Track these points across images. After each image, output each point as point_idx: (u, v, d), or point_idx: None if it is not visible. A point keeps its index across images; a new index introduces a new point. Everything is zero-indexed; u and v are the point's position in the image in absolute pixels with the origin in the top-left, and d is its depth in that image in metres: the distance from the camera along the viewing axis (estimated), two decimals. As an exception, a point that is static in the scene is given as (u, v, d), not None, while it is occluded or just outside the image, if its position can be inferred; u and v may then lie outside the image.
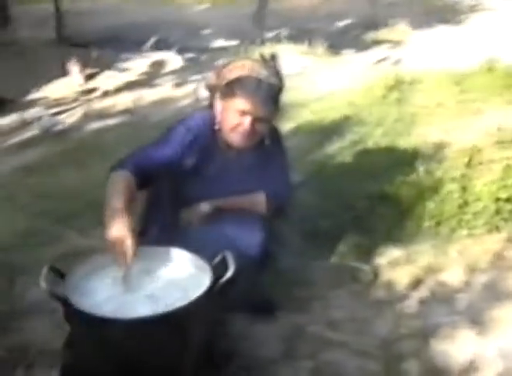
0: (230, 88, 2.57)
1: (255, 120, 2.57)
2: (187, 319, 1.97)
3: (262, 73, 2.56)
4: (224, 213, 2.73)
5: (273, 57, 2.67)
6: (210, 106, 2.76)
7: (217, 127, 2.69)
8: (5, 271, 3.18)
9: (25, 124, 5.87)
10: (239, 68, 2.60)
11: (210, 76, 2.76)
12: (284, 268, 3.13)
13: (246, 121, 2.56)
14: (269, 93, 2.55)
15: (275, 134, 2.85)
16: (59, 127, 5.74)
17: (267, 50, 7.64)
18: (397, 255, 3.29)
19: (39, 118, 5.88)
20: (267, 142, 2.75)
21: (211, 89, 2.75)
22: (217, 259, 2.19)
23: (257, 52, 6.34)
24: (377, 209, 3.58)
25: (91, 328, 1.98)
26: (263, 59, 2.66)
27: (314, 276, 3.17)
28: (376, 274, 3.16)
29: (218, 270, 2.14)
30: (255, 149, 2.73)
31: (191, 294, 2.03)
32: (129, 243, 2.08)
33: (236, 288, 2.51)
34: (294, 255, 3.25)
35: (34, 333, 2.73)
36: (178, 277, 2.21)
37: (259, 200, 2.79)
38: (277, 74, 2.62)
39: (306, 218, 3.53)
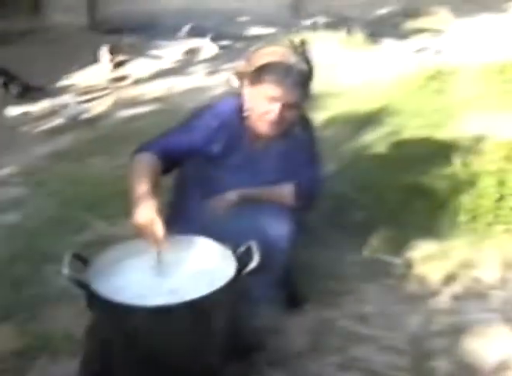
0: (259, 74, 2.58)
1: (284, 107, 2.56)
2: (211, 309, 2.00)
3: (292, 59, 2.56)
4: (251, 203, 2.74)
5: (303, 43, 2.67)
6: (240, 93, 2.76)
7: (245, 114, 2.69)
8: (34, 257, 3.26)
9: (54, 112, 5.94)
10: (269, 54, 2.60)
11: (240, 63, 2.78)
12: (314, 260, 3.16)
13: (275, 107, 2.56)
14: (299, 79, 2.55)
15: (305, 122, 2.85)
16: (86, 115, 5.80)
17: (303, 38, 7.67)
18: (431, 250, 3.29)
19: (65, 106, 5.94)
20: (297, 131, 2.75)
21: (240, 76, 2.76)
22: (241, 249, 2.21)
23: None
24: (411, 202, 3.58)
25: (113, 315, 2.02)
26: (293, 45, 2.67)
27: (345, 269, 3.18)
28: (408, 268, 3.17)
29: (243, 260, 2.16)
30: (284, 138, 2.73)
31: (215, 283, 2.05)
32: (158, 226, 2.11)
33: (263, 280, 2.56)
34: (325, 248, 3.28)
35: (58, 320, 2.79)
36: (203, 266, 2.24)
37: (287, 192, 2.78)
38: (307, 60, 2.63)
39: (338, 210, 3.55)
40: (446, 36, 7.88)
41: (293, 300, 2.86)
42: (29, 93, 6.44)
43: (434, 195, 3.61)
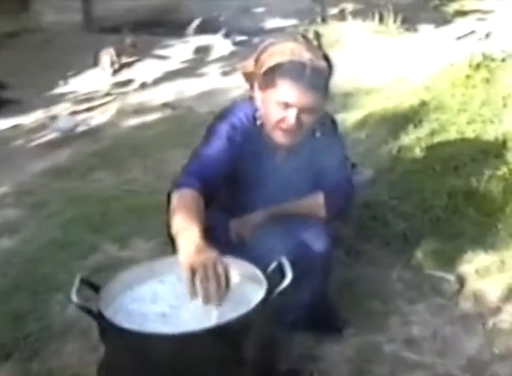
0: (270, 77, 2.56)
1: (301, 112, 2.55)
2: (241, 333, 2.01)
3: (305, 56, 2.54)
4: (280, 219, 2.76)
5: (317, 36, 2.67)
6: (252, 97, 2.76)
7: (259, 122, 2.69)
8: (35, 286, 3.30)
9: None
10: (279, 53, 2.58)
11: (247, 62, 2.75)
12: (354, 278, 3.18)
13: (291, 114, 2.55)
14: (315, 79, 2.53)
15: (329, 123, 2.85)
16: (84, 126, 5.86)
17: (330, 29, 7.70)
18: (486, 262, 3.30)
19: (54, 118, 5.98)
20: (318, 135, 2.75)
21: (249, 78, 2.75)
22: (272, 267, 2.23)
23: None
24: (462, 209, 3.60)
25: (131, 346, 2.02)
26: (305, 39, 2.68)
27: (388, 287, 3.21)
28: (462, 284, 3.18)
29: (274, 279, 2.18)
30: (307, 143, 2.74)
31: (243, 306, 2.07)
32: (223, 270, 2.04)
33: (299, 301, 2.58)
34: (365, 264, 3.29)
35: (65, 357, 2.83)
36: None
37: (317, 203, 2.80)
38: (323, 55, 2.62)
39: (377, 221, 3.57)
40: (495, 18, 7.86)
41: (333, 323, 2.89)
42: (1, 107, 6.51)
43: (488, 200, 3.63)
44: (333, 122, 2.90)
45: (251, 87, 2.74)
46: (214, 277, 2.00)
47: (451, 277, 3.22)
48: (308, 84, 2.51)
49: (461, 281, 3.19)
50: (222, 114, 2.75)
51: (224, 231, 2.66)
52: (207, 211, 2.41)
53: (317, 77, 2.53)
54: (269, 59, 2.58)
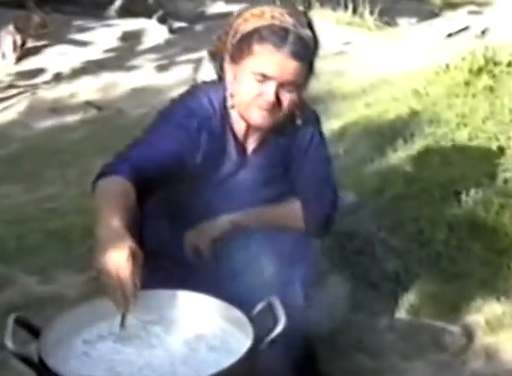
0: (246, 44, 2.60)
1: (281, 86, 2.58)
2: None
3: (288, 21, 2.57)
4: (245, 233, 2.75)
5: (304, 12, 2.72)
6: (219, 79, 2.80)
7: (230, 103, 2.72)
8: None
9: None
10: (257, 17, 2.61)
11: (215, 38, 2.78)
12: (338, 327, 3.17)
13: (269, 88, 2.57)
14: (299, 48, 2.55)
15: (310, 115, 2.87)
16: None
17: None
18: (498, 311, 3.32)
19: None
20: (298, 123, 2.77)
21: (217, 54, 2.78)
22: (258, 308, 2.22)
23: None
24: (466, 244, 3.63)
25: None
26: (288, 5, 2.72)
27: (380, 339, 3.22)
28: (469, 338, 3.19)
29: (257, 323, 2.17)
30: (283, 134, 2.78)
31: (223, 358, 2.06)
32: (129, 277, 2.09)
33: (275, 356, 2.56)
34: (350, 309, 3.29)
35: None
36: (201, 333, 2.24)
37: (294, 210, 2.82)
38: (309, 25, 2.64)
39: (364, 256, 3.58)
40: (494, 11, 7.98)
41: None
42: None
43: (497, 234, 3.67)
44: (315, 114, 2.92)
45: (220, 67, 2.77)
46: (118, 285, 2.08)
47: (455, 328, 3.23)
48: (291, 52, 2.54)
49: (468, 334, 3.21)
50: (180, 97, 2.79)
51: (174, 245, 2.70)
52: (150, 220, 2.53)
53: (301, 46, 2.56)
54: (245, 24, 2.62)
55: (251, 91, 2.60)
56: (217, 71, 2.81)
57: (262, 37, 2.56)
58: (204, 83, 2.91)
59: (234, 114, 2.73)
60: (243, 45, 2.60)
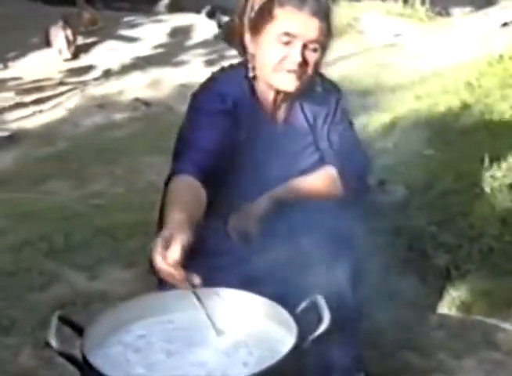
0: (266, 11, 2.68)
1: (305, 47, 2.66)
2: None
3: None
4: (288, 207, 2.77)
5: None
6: (244, 63, 2.84)
7: (251, 74, 2.78)
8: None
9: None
10: None
11: (225, 23, 2.90)
12: (385, 323, 3.15)
13: (295, 48, 2.65)
14: (319, 7, 2.67)
15: (330, 83, 2.95)
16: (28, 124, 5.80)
17: (341, 11, 7.71)
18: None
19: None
20: (318, 89, 2.84)
21: (236, 30, 2.83)
22: (302, 306, 2.22)
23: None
24: (520, 239, 3.59)
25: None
26: None
27: (429, 336, 3.19)
28: (524, 336, 3.17)
29: (303, 321, 2.16)
30: (310, 103, 2.85)
31: (266, 356, 2.06)
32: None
33: (320, 355, 2.56)
34: (399, 305, 3.28)
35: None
36: (246, 332, 2.24)
37: (330, 176, 2.85)
38: None
39: (414, 252, 3.56)
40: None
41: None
42: None
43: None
44: (335, 84, 3.00)
45: (240, 43, 2.81)
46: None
47: (508, 326, 3.22)
48: (312, 12, 2.66)
49: (523, 332, 3.19)
50: (208, 84, 2.84)
51: (219, 236, 2.69)
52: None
53: (320, 5, 2.69)
54: None
55: (276, 54, 2.68)
56: (239, 52, 2.87)
57: (282, 1, 2.66)
58: (222, 68, 2.96)
59: (260, 86, 2.80)
60: (264, 13, 2.70)
